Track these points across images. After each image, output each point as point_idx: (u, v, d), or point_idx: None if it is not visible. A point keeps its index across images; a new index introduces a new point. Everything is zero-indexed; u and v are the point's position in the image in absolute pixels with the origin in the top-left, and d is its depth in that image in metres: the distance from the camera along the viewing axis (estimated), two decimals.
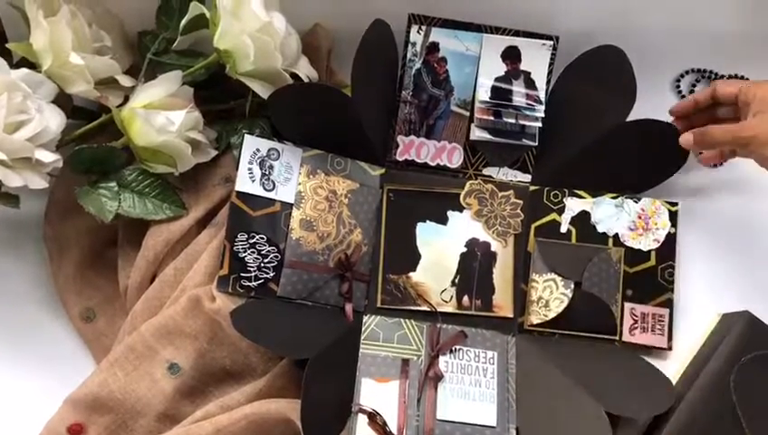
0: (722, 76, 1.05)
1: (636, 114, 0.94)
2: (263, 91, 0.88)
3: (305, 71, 0.91)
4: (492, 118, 0.94)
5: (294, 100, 0.88)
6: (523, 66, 0.94)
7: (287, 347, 0.84)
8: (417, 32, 0.94)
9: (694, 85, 1.06)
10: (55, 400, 0.83)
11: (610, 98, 0.92)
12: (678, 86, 1.05)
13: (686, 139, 0.88)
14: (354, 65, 0.89)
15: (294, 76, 0.89)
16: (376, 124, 0.93)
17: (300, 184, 0.89)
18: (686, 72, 1.06)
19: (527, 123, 0.93)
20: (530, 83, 0.94)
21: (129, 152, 0.88)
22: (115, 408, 0.83)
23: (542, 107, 0.93)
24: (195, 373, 0.85)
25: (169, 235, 0.88)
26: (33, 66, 0.85)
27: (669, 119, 0.94)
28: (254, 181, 0.88)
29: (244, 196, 0.88)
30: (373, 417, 0.83)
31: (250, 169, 0.88)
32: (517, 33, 0.94)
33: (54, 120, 0.84)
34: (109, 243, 0.92)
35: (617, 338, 0.91)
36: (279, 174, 0.89)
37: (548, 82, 0.94)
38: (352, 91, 0.89)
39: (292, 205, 0.89)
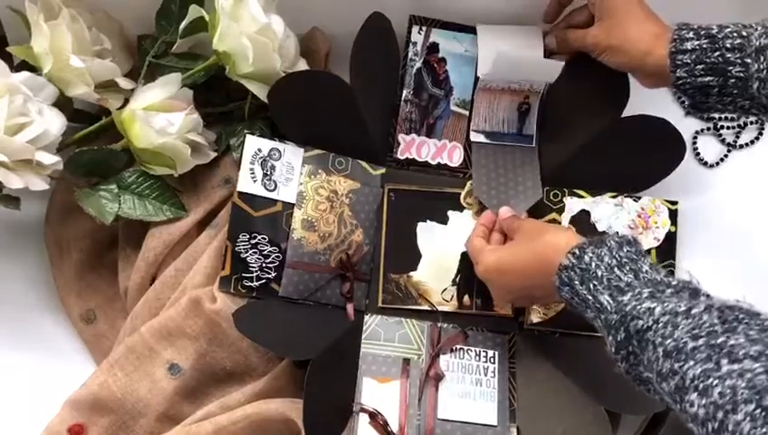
0: None
1: (633, 111, 0.95)
2: (261, 92, 0.88)
3: None
4: (489, 119, 0.94)
5: (296, 89, 0.88)
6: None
7: (289, 348, 0.84)
8: (418, 32, 0.95)
9: None
10: (56, 401, 0.83)
11: (605, 95, 0.93)
12: None
13: (549, 41, 0.93)
14: (352, 57, 0.90)
15: None
16: (377, 121, 0.93)
17: (301, 184, 0.89)
18: None
19: (524, 124, 0.94)
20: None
21: (129, 154, 0.88)
22: (115, 409, 0.83)
23: (535, 110, 0.94)
24: (195, 374, 0.85)
25: (169, 236, 0.88)
26: (34, 69, 0.86)
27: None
28: (255, 181, 0.88)
29: (245, 196, 0.88)
30: (374, 416, 0.83)
31: (252, 169, 0.88)
32: None
33: (55, 123, 0.84)
34: (109, 245, 0.93)
35: None
36: (280, 174, 0.89)
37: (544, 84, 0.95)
38: (352, 83, 0.90)
39: (293, 205, 0.89)
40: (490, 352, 0.89)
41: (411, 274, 0.91)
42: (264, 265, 0.87)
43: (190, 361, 0.84)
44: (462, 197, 0.93)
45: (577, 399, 0.86)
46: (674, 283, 0.67)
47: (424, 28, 0.95)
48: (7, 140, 0.80)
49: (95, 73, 0.86)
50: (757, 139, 1.04)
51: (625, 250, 0.71)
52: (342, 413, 0.84)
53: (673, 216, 0.94)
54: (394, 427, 0.83)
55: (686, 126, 1.01)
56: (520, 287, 0.80)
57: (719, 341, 0.59)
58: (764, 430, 0.55)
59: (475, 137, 0.95)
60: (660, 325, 0.63)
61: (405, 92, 0.94)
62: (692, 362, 0.59)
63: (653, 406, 0.85)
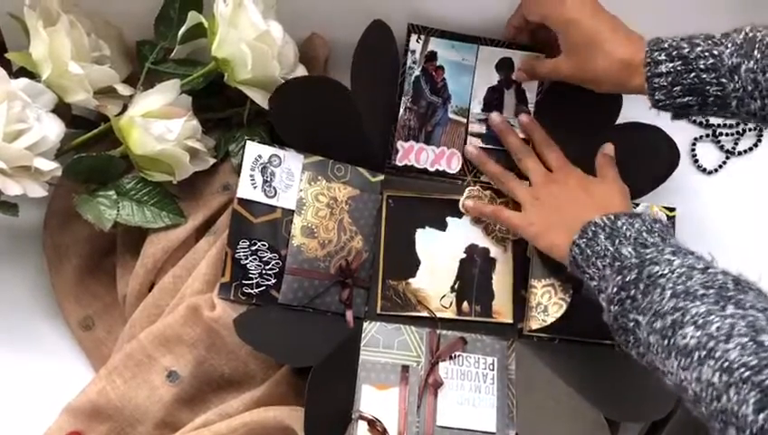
0: None
1: (633, 120, 0.95)
2: (260, 99, 0.88)
3: None
4: (484, 130, 0.95)
5: (296, 94, 0.88)
6: (515, 77, 0.95)
7: (290, 355, 0.84)
8: (417, 40, 0.95)
9: None
10: (54, 408, 0.83)
11: (599, 102, 0.92)
12: None
13: (517, 75, 0.94)
14: (353, 64, 0.90)
15: None
16: (376, 127, 0.93)
17: (301, 190, 0.89)
18: None
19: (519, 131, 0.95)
20: (520, 93, 0.96)
21: (127, 161, 0.88)
22: (114, 416, 0.83)
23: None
24: (194, 381, 0.84)
25: (168, 243, 0.88)
26: (33, 76, 0.85)
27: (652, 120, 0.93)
28: (255, 188, 0.88)
29: (245, 202, 0.88)
30: (373, 424, 0.83)
31: (252, 175, 0.88)
32: (510, 46, 0.95)
33: (53, 129, 0.84)
34: (107, 251, 0.92)
35: (616, 343, 0.91)
36: (280, 181, 0.89)
37: (539, 93, 0.95)
38: (352, 89, 0.90)
39: (293, 211, 0.89)
40: (489, 359, 0.89)
41: (410, 280, 0.91)
42: (263, 271, 0.87)
43: (189, 368, 0.84)
44: (461, 203, 0.93)
45: (576, 406, 0.86)
46: (697, 253, 0.71)
47: (422, 36, 0.95)
48: (6, 146, 0.80)
49: (94, 80, 0.86)
50: (756, 145, 1.04)
51: (657, 225, 0.75)
52: (343, 421, 0.83)
53: (671, 222, 0.94)
54: (393, 434, 0.83)
55: (685, 133, 1.02)
56: (576, 198, 0.85)
57: (729, 294, 0.63)
58: (751, 358, 0.57)
59: (471, 143, 0.95)
60: (675, 275, 0.67)
61: (403, 100, 0.94)
62: (698, 303, 0.63)
63: (652, 413, 0.85)
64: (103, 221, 0.86)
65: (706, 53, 0.76)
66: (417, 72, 0.95)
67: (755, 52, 0.73)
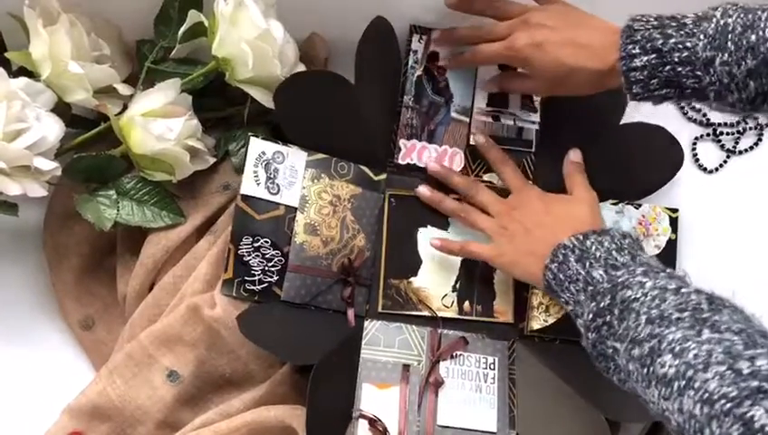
0: None
1: (634, 120, 0.95)
2: (261, 98, 0.88)
3: None
4: (490, 120, 0.94)
5: (301, 88, 0.88)
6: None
7: (292, 353, 0.84)
8: (419, 40, 0.95)
9: None
10: (54, 408, 0.83)
11: (603, 102, 0.93)
12: None
13: (488, 87, 0.95)
14: (356, 59, 0.90)
15: None
16: (378, 125, 0.93)
17: (304, 188, 0.89)
18: None
19: (525, 126, 0.94)
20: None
21: (127, 160, 0.88)
22: (114, 416, 0.83)
23: (537, 114, 0.95)
24: (194, 381, 0.84)
25: (168, 242, 0.88)
26: (32, 75, 0.85)
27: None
28: (258, 184, 0.88)
29: (249, 199, 0.87)
30: (374, 422, 0.83)
31: (255, 172, 0.88)
32: None
33: (53, 129, 0.83)
34: (107, 251, 0.92)
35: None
36: (284, 177, 0.89)
37: None
38: (356, 83, 0.90)
39: (296, 209, 0.89)
40: (490, 359, 0.89)
41: (411, 279, 0.91)
42: (266, 268, 0.87)
43: (189, 368, 0.84)
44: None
45: (577, 406, 0.86)
46: (668, 270, 0.71)
47: (424, 37, 0.95)
48: (5, 146, 0.79)
49: (94, 79, 0.86)
50: (756, 144, 1.04)
51: (627, 241, 0.75)
52: (344, 419, 0.83)
53: (674, 223, 0.94)
54: (393, 433, 0.83)
55: (686, 132, 1.02)
56: (542, 222, 0.83)
57: (704, 316, 0.62)
58: (730, 389, 0.56)
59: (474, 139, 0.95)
60: (648, 298, 0.66)
61: (405, 99, 0.94)
62: (673, 329, 0.62)
63: (652, 414, 0.85)
64: (103, 221, 0.86)
65: (680, 46, 0.74)
66: (419, 72, 0.95)
67: (728, 43, 0.71)
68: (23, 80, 0.83)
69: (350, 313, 0.88)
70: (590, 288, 0.72)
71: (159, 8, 0.91)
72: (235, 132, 0.92)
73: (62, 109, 0.86)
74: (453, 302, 0.91)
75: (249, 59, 0.84)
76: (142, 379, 0.84)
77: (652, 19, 0.77)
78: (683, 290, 0.66)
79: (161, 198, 0.89)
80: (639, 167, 0.94)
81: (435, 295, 0.90)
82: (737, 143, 1.04)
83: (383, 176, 0.93)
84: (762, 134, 1.04)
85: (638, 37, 0.77)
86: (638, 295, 0.67)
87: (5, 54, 0.87)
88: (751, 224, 0.99)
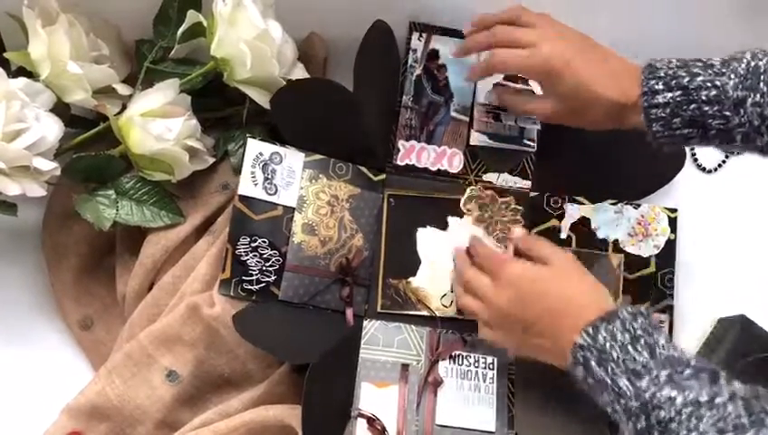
0: None
1: None
2: (260, 98, 0.88)
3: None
4: (492, 121, 0.94)
5: (298, 96, 0.88)
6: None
7: (289, 352, 0.84)
8: (418, 39, 0.95)
9: None
10: (53, 408, 0.83)
11: None
12: None
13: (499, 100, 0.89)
14: (356, 65, 0.90)
15: None
16: (377, 127, 0.93)
17: (302, 188, 0.89)
18: None
19: (527, 126, 0.94)
20: (527, 89, 0.95)
21: (126, 160, 0.88)
22: (113, 416, 0.83)
23: None
24: (193, 381, 0.84)
25: (167, 242, 0.88)
26: (31, 75, 0.85)
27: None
28: (256, 185, 0.88)
29: (246, 199, 0.88)
30: (372, 422, 0.83)
31: (253, 172, 0.88)
32: None
33: (52, 129, 0.84)
34: (107, 251, 0.92)
35: None
36: (281, 178, 0.89)
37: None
38: (354, 90, 0.90)
39: (294, 209, 0.89)
40: (489, 359, 0.89)
41: (410, 279, 0.91)
42: (264, 268, 0.87)
43: (188, 367, 0.84)
44: (462, 203, 0.93)
45: (576, 406, 0.85)
46: (692, 362, 0.65)
47: (424, 35, 0.95)
48: (4, 146, 0.80)
49: (93, 79, 0.86)
50: None
51: (639, 321, 0.69)
52: (341, 418, 0.83)
53: (672, 223, 0.94)
54: (392, 432, 0.83)
55: None
56: (540, 315, 0.75)
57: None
58: None
59: (476, 137, 0.94)
60: (684, 416, 0.62)
61: (405, 99, 0.94)
62: None
63: None
64: (102, 221, 0.86)
65: (708, 84, 0.71)
66: (418, 71, 0.95)
67: (761, 84, 0.68)
68: (22, 80, 0.83)
69: (349, 312, 0.88)
70: (622, 401, 0.67)
71: (158, 8, 0.92)
72: (234, 132, 0.92)
73: (61, 109, 0.86)
74: (452, 301, 0.90)
75: (247, 59, 0.84)
76: (141, 379, 0.84)
77: (674, 60, 0.74)
78: (717, 401, 0.61)
79: (160, 197, 0.89)
80: (640, 167, 0.94)
81: (434, 295, 0.90)
82: None
83: (382, 176, 0.93)
84: None
85: (662, 74, 0.73)
86: (671, 415, 0.62)
87: (4, 54, 0.87)
88: (750, 224, 0.99)
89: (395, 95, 0.95)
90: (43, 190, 0.83)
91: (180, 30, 0.88)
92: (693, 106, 0.71)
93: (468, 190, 0.94)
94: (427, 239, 0.92)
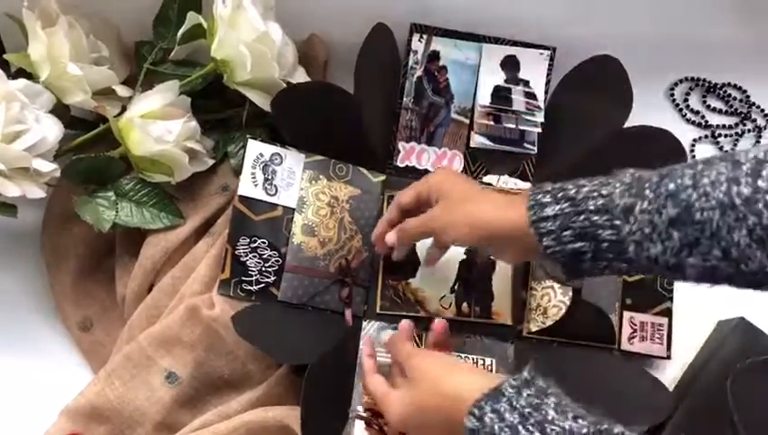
0: (715, 84, 1.06)
1: (631, 123, 0.95)
2: (260, 100, 0.88)
3: (302, 80, 0.92)
4: (492, 123, 0.94)
5: (298, 99, 0.88)
6: (521, 75, 0.95)
7: (287, 353, 0.84)
8: (419, 40, 0.95)
9: (687, 94, 1.06)
10: (52, 410, 0.83)
11: (608, 106, 0.93)
12: (673, 94, 1.06)
13: (390, 238, 0.83)
14: (356, 68, 0.90)
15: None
16: (378, 129, 0.93)
17: (302, 189, 0.89)
18: (680, 81, 1.07)
19: (527, 129, 0.94)
20: (529, 92, 0.95)
21: (126, 162, 0.88)
22: (112, 417, 0.83)
23: (542, 113, 0.94)
24: (193, 382, 0.84)
25: (167, 244, 0.88)
26: (31, 77, 0.85)
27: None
28: (256, 186, 0.88)
29: (246, 200, 0.88)
30: (370, 423, 0.83)
31: (253, 173, 0.88)
32: (515, 44, 0.95)
33: (52, 131, 0.84)
34: (106, 252, 0.92)
35: (615, 347, 0.91)
36: (282, 179, 0.89)
37: (546, 92, 0.95)
38: (355, 94, 0.90)
39: (293, 210, 0.89)
40: (488, 360, 0.89)
41: (410, 281, 0.91)
42: (263, 269, 0.87)
43: (188, 369, 0.84)
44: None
45: None
46: (583, 431, 0.61)
47: (425, 36, 0.95)
48: (4, 147, 0.80)
49: (92, 81, 0.86)
50: (754, 147, 1.03)
51: (525, 395, 0.64)
52: (340, 419, 0.83)
53: None
54: (390, 434, 0.83)
55: (684, 134, 1.02)
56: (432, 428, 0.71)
57: None
58: None
59: (476, 140, 0.94)
60: None
61: (405, 100, 0.94)
62: None
63: (649, 418, 0.85)
64: (102, 222, 0.86)
65: (595, 193, 0.68)
66: (419, 73, 0.95)
67: (646, 191, 0.65)
68: (21, 81, 0.83)
69: (348, 313, 0.88)
70: None
71: (158, 10, 0.92)
72: (234, 134, 0.92)
73: (60, 110, 0.86)
74: (451, 303, 0.91)
75: (248, 61, 0.84)
76: (141, 380, 0.84)
77: (560, 182, 0.72)
78: None
79: (160, 199, 0.89)
80: (640, 169, 0.93)
81: (433, 297, 0.90)
82: (736, 145, 1.04)
83: (382, 177, 0.93)
84: (760, 136, 1.04)
85: (549, 188, 0.71)
86: None
87: (4, 56, 0.87)
88: None
89: (395, 96, 0.95)
90: (42, 192, 0.83)
91: (180, 31, 0.88)
92: (582, 217, 0.68)
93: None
94: (427, 241, 0.91)
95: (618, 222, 0.67)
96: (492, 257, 0.79)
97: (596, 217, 0.68)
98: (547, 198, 0.70)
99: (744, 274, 0.62)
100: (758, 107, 1.06)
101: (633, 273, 0.71)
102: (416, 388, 0.72)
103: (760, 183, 0.59)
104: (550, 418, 0.62)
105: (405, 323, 0.82)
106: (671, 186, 0.64)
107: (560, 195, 0.70)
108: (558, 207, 0.69)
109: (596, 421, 0.62)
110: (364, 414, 0.83)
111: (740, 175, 0.61)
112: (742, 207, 0.60)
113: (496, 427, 0.63)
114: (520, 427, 0.62)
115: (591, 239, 0.68)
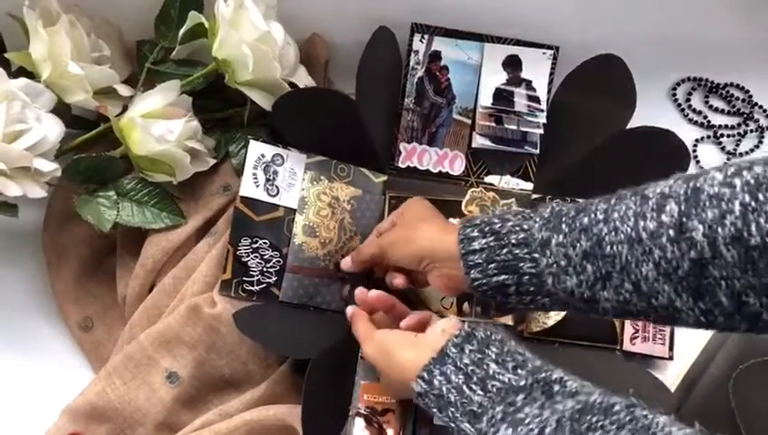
0: (718, 85, 1.06)
1: (633, 123, 0.95)
2: (261, 100, 0.88)
3: (304, 80, 0.92)
4: (493, 124, 0.94)
5: (299, 104, 0.88)
6: (524, 75, 0.95)
7: (288, 348, 0.85)
8: (420, 40, 0.95)
9: (690, 94, 1.06)
10: (53, 409, 0.83)
11: (611, 106, 0.93)
12: (675, 94, 1.05)
13: (345, 264, 0.88)
14: (358, 71, 0.90)
15: (293, 86, 0.90)
16: (379, 131, 0.93)
17: (303, 190, 0.89)
18: (683, 81, 1.07)
19: (529, 130, 0.94)
20: (531, 91, 0.95)
21: (127, 161, 0.88)
22: (113, 417, 0.83)
23: (544, 114, 0.94)
24: (194, 382, 0.84)
25: (168, 244, 0.88)
26: (32, 76, 0.85)
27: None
28: (258, 186, 0.88)
29: (247, 201, 0.88)
30: (370, 420, 0.83)
31: (254, 174, 0.88)
32: (518, 43, 0.95)
33: (53, 130, 0.83)
34: (107, 252, 0.92)
35: (617, 347, 0.91)
36: (283, 179, 0.89)
37: (548, 91, 0.95)
38: (357, 96, 0.90)
39: (295, 210, 0.89)
40: None
41: None
42: (264, 269, 0.87)
43: (189, 369, 0.84)
44: (463, 205, 0.93)
45: None
46: (522, 382, 0.64)
47: (426, 36, 0.95)
48: (5, 147, 0.80)
49: (94, 80, 0.86)
50: (757, 147, 1.04)
51: (467, 352, 0.68)
52: (341, 416, 0.83)
53: None
54: (390, 432, 0.83)
55: (687, 134, 1.01)
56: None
57: None
58: None
59: (478, 140, 0.94)
60: None
61: (406, 101, 0.94)
62: None
63: None
64: (103, 222, 0.86)
65: (517, 228, 0.71)
66: (420, 73, 0.95)
67: (563, 225, 0.67)
68: (22, 80, 0.83)
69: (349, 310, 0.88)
70: None
71: (160, 9, 0.92)
72: (235, 133, 0.92)
73: (61, 109, 0.86)
74: (452, 303, 0.90)
75: (249, 61, 0.84)
76: (141, 380, 0.84)
77: (491, 215, 0.75)
78: (546, 432, 0.59)
79: (161, 199, 0.89)
80: (646, 171, 0.93)
81: (434, 296, 0.90)
82: (738, 145, 1.04)
83: (383, 178, 0.93)
84: (763, 136, 1.04)
85: (478, 221, 0.74)
86: None
87: (5, 55, 0.87)
88: None
89: (397, 97, 0.95)
90: (43, 191, 0.83)
91: (182, 31, 0.88)
92: (505, 251, 0.71)
93: (470, 192, 0.93)
94: None
95: (536, 255, 0.69)
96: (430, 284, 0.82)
97: (517, 251, 0.71)
98: (475, 232, 0.73)
99: (655, 308, 0.63)
100: (761, 107, 1.05)
101: (556, 308, 0.73)
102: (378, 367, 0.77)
103: (663, 218, 0.60)
104: (491, 372, 0.66)
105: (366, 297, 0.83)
106: (585, 220, 0.66)
107: (486, 229, 0.73)
108: (484, 241, 0.73)
109: (535, 369, 0.64)
110: (364, 411, 0.83)
111: (646, 210, 0.62)
112: (648, 241, 0.61)
113: (444, 389, 0.67)
114: (464, 387, 0.66)
115: (513, 272, 0.71)
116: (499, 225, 0.72)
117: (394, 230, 0.83)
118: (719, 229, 0.57)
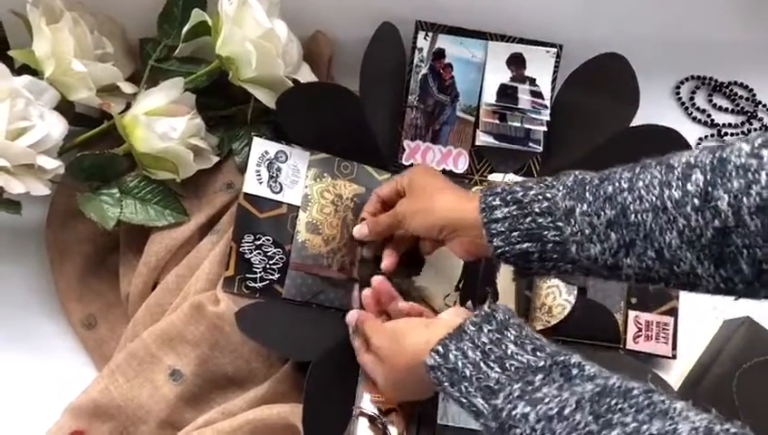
0: (721, 83, 1.06)
1: (637, 121, 0.95)
2: (265, 97, 0.88)
3: (307, 77, 0.92)
4: (497, 121, 0.94)
5: (303, 100, 0.88)
6: (527, 73, 0.95)
7: (290, 349, 0.84)
8: (424, 38, 0.95)
9: (693, 92, 1.06)
10: (56, 407, 0.83)
11: (614, 104, 0.93)
12: (678, 93, 1.05)
13: (360, 231, 0.87)
14: (362, 68, 0.90)
15: (296, 83, 0.90)
16: (383, 128, 0.93)
17: (307, 187, 0.89)
18: (686, 79, 1.07)
19: (532, 127, 0.94)
20: (535, 90, 0.95)
21: (130, 159, 0.88)
22: (116, 415, 0.82)
23: (548, 111, 0.94)
24: (197, 380, 0.84)
25: (171, 241, 0.88)
26: (36, 73, 0.85)
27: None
28: (261, 183, 0.88)
29: (251, 197, 0.88)
30: (374, 420, 0.83)
31: (258, 171, 0.88)
32: (522, 41, 0.95)
33: (56, 127, 0.83)
34: (110, 249, 0.92)
35: (621, 346, 0.91)
36: (286, 177, 0.89)
37: (552, 89, 0.95)
38: (360, 94, 0.90)
39: (298, 207, 0.89)
40: None
41: (414, 278, 0.91)
42: (267, 266, 0.87)
43: (192, 367, 0.84)
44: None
45: None
46: (541, 363, 0.64)
47: (430, 34, 0.95)
48: (8, 144, 0.79)
49: (97, 77, 0.86)
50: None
51: (486, 331, 0.68)
52: (343, 416, 0.83)
53: None
54: (393, 432, 0.83)
55: (690, 132, 1.01)
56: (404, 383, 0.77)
57: None
58: None
59: (482, 138, 0.94)
60: (537, 433, 0.61)
61: (410, 98, 0.94)
62: None
63: None
64: (106, 220, 0.86)
65: (540, 196, 0.72)
66: (424, 71, 0.95)
67: (587, 193, 0.68)
68: (26, 78, 0.83)
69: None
70: (481, 420, 0.66)
71: (163, 6, 0.92)
72: (239, 131, 0.92)
73: (65, 107, 0.86)
74: (455, 301, 0.90)
75: (253, 58, 0.84)
76: (145, 378, 0.84)
77: (513, 183, 0.75)
78: (565, 412, 0.60)
79: (164, 196, 0.88)
80: None
81: (437, 295, 0.90)
82: None
83: (387, 175, 0.93)
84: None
85: (499, 190, 0.75)
86: (527, 432, 0.61)
87: (9, 52, 0.87)
88: None
89: (400, 94, 0.94)
90: (46, 189, 0.83)
91: (185, 28, 0.88)
92: (529, 219, 0.72)
93: (473, 190, 0.93)
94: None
95: (560, 224, 0.70)
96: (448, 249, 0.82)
97: (541, 220, 0.71)
98: (497, 201, 0.74)
99: (677, 275, 0.64)
100: (764, 105, 1.05)
101: (578, 273, 0.73)
102: (382, 364, 0.78)
103: (689, 187, 0.61)
104: (510, 352, 0.66)
105: (370, 290, 0.85)
106: (609, 188, 0.67)
107: (509, 198, 0.73)
108: (506, 209, 0.73)
109: (553, 353, 0.65)
110: (368, 411, 0.83)
111: (671, 179, 0.63)
112: (672, 210, 0.62)
113: (460, 363, 0.67)
114: (482, 363, 0.66)
115: (537, 241, 0.72)
116: (521, 193, 0.73)
117: (410, 201, 0.83)
118: (744, 199, 0.58)
